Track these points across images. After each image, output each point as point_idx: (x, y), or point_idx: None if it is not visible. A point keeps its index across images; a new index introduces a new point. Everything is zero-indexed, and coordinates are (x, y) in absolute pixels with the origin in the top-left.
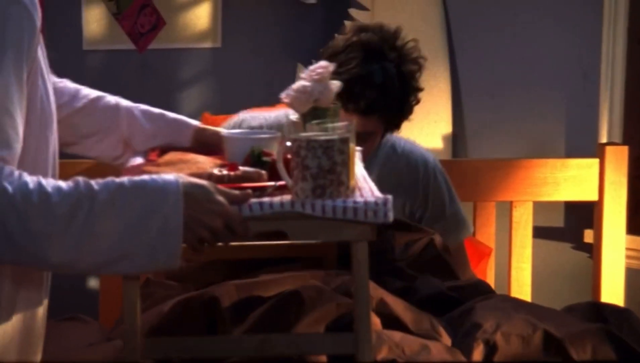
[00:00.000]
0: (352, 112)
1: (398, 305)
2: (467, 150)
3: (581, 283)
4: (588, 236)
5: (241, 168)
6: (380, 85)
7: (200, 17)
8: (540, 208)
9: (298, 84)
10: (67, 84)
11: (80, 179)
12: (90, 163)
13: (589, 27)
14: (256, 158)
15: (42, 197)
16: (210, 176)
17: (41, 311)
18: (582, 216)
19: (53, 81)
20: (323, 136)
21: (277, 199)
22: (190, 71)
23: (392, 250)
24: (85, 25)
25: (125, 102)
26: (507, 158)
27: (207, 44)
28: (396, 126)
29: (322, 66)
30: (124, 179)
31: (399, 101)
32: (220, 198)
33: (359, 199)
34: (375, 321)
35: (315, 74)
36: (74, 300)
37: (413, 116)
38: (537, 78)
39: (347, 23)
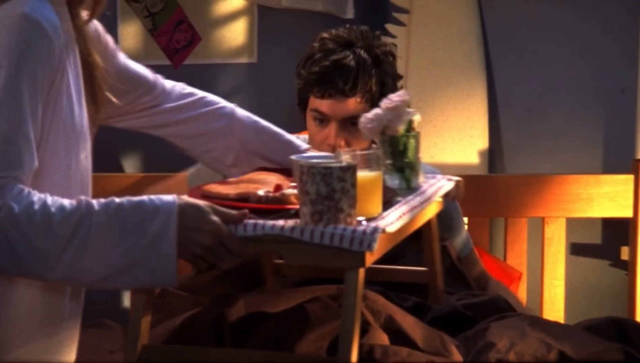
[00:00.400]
0: (334, 97)
1: (407, 322)
2: (504, 165)
3: (618, 302)
4: (625, 253)
5: (285, 190)
6: (355, 66)
7: (236, 32)
8: (577, 224)
9: (371, 112)
10: (184, 88)
11: (83, 199)
12: (129, 178)
13: (627, 42)
14: None
15: (45, 217)
16: (252, 196)
17: (64, 315)
18: (620, 232)
19: (169, 86)
20: (323, 164)
21: (280, 222)
22: (226, 86)
23: (405, 254)
24: (121, 42)
25: (240, 114)
26: (539, 173)
27: (243, 60)
28: None
29: (399, 95)
30: (124, 199)
31: (377, 81)
32: (214, 218)
33: (350, 227)
34: (383, 337)
35: (390, 102)
36: (108, 306)
37: (448, 131)
38: (574, 93)
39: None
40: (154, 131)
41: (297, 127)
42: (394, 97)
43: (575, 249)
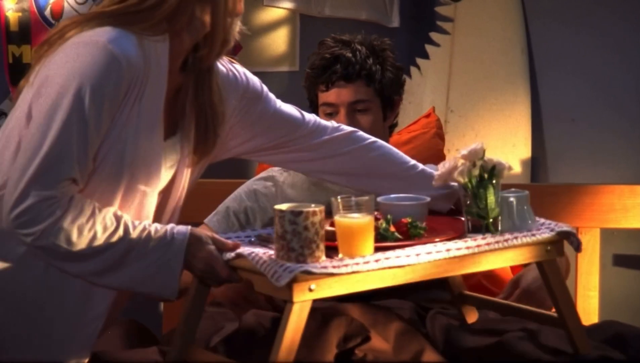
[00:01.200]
0: (337, 84)
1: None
2: (548, 174)
3: None
4: None
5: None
6: (352, 55)
7: (278, 40)
8: (621, 235)
9: (447, 161)
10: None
11: (123, 221)
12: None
13: None
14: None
15: (88, 232)
16: None
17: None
18: None
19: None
20: (277, 207)
21: (260, 254)
22: None
23: None
24: None
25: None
26: (573, 183)
27: (285, 68)
28: (389, 100)
29: (475, 145)
30: (153, 226)
31: (379, 67)
32: (209, 247)
33: (286, 264)
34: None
35: (466, 151)
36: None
37: (490, 139)
38: (618, 102)
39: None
40: (305, 166)
41: None
42: (469, 147)
43: (619, 260)
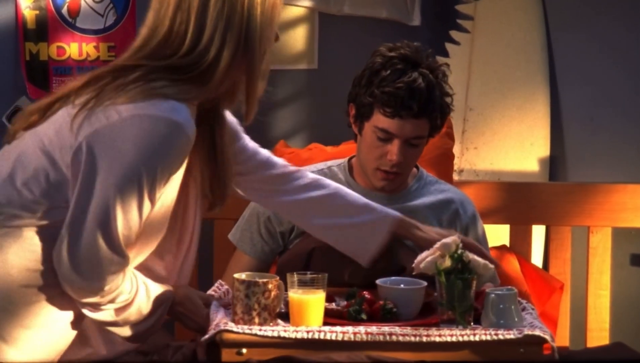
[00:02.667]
0: (405, 118)
1: None
2: (567, 173)
3: None
4: None
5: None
6: (424, 88)
7: (297, 38)
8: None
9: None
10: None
11: (145, 288)
12: None
13: None
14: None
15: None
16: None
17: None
18: None
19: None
20: (235, 276)
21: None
22: (285, 92)
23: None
24: None
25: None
26: (584, 181)
27: (303, 65)
28: (438, 128)
29: (451, 238)
30: (160, 290)
31: (441, 101)
32: (196, 301)
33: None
34: None
35: (440, 244)
36: None
37: (509, 138)
38: (637, 100)
39: (380, 48)
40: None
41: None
42: (446, 240)
43: (636, 260)
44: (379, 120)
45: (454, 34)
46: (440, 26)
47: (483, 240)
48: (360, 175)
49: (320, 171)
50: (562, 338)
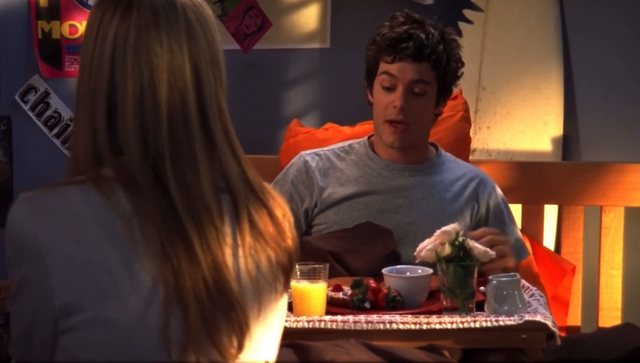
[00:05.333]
0: (404, 60)
1: None
2: (580, 153)
3: None
4: None
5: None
6: (425, 36)
7: (309, 17)
8: None
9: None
10: None
11: None
12: None
13: None
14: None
15: None
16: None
17: None
18: None
19: None
20: None
21: None
22: (297, 71)
23: None
24: None
25: None
26: (597, 161)
27: (315, 45)
28: (447, 87)
29: (452, 226)
30: None
31: (445, 55)
32: None
33: None
34: None
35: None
36: None
37: (522, 117)
38: None
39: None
40: None
41: (368, 113)
42: (446, 227)
43: None
44: (383, 66)
45: (467, 13)
46: (454, 5)
47: (507, 214)
48: (380, 148)
49: (341, 148)
50: (574, 318)
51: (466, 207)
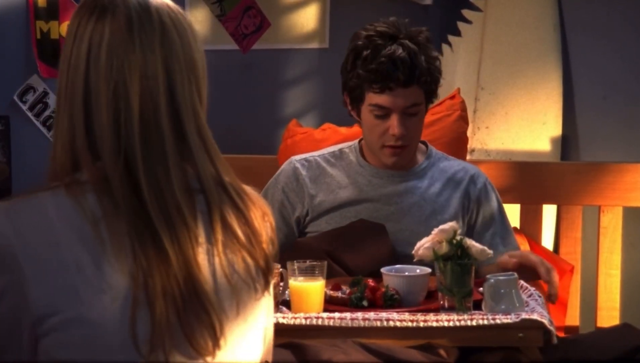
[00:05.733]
0: (394, 90)
1: None
2: (579, 152)
3: None
4: None
5: (335, 292)
6: (406, 57)
7: (308, 17)
8: None
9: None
10: None
11: None
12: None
13: None
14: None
15: None
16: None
17: None
18: None
19: None
20: None
21: None
22: (296, 71)
23: None
24: None
25: None
26: (596, 161)
27: (314, 45)
28: (433, 93)
29: (449, 225)
30: None
31: (427, 66)
32: None
33: None
34: None
35: (439, 230)
36: None
37: (520, 117)
38: None
39: (359, 31)
40: None
41: None
42: (443, 226)
43: None
44: (372, 98)
45: (466, 12)
46: (452, 5)
47: (499, 212)
48: (370, 155)
49: (331, 153)
50: (573, 318)
51: (458, 207)
